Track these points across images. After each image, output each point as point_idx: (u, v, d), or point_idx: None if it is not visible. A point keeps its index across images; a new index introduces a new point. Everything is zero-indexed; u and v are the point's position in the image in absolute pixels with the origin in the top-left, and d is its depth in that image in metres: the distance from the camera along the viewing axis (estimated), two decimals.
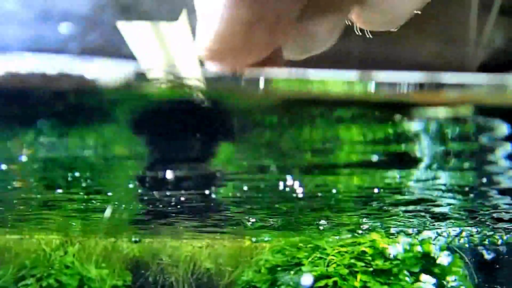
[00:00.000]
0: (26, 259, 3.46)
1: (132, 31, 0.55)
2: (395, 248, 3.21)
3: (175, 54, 0.55)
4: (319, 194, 2.42)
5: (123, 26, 0.53)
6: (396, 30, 0.51)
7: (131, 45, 0.54)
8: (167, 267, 3.88)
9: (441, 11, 0.65)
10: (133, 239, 3.79)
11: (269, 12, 0.42)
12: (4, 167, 2.13)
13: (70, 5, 0.64)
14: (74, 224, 3.46)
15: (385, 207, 2.79)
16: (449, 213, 2.82)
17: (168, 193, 2.71)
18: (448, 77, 0.65)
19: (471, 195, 2.25)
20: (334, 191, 2.22)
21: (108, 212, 2.89)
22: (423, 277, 3.11)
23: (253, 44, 0.43)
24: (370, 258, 3.14)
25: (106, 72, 0.57)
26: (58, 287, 3.23)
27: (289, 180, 2.07)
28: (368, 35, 0.53)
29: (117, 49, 0.63)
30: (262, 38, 0.43)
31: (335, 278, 3.02)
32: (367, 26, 0.51)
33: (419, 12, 0.50)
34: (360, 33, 0.52)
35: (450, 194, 2.18)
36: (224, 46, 0.43)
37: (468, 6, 0.67)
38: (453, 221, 3.00)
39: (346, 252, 3.16)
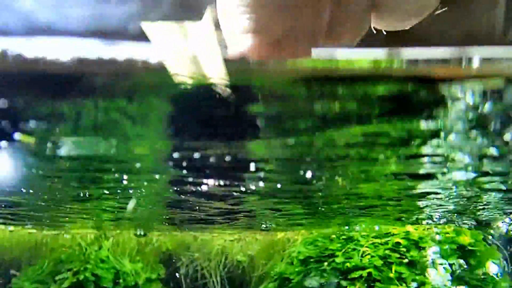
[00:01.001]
0: (62, 253, 3.53)
1: (157, 31, 0.55)
2: (430, 239, 3.17)
3: (199, 52, 0.55)
4: (350, 183, 2.40)
5: (147, 27, 0.54)
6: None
7: (156, 45, 0.55)
8: (199, 260, 3.91)
9: None
10: (138, 233, 3.80)
11: (299, 32, 0.46)
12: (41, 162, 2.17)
13: None
14: (108, 218, 3.51)
15: (418, 196, 2.76)
16: (487, 201, 2.76)
17: (198, 187, 2.72)
18: (478, 51, 0.63)
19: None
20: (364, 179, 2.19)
21: (131, 205, 2.92)
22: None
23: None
24: (404, 249, 3.11)
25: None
26: (94, 281, 3.28)
27: (318, 169, 2.06)
28: (384, 32, 0.56)
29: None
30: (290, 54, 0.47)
31: (369, 270, 2.99)
32: (383, 27, 0.55)
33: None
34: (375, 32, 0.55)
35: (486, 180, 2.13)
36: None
37: None
38: (490, 208, 2.95)
39: (380, 243, 3.13)
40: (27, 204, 3.18)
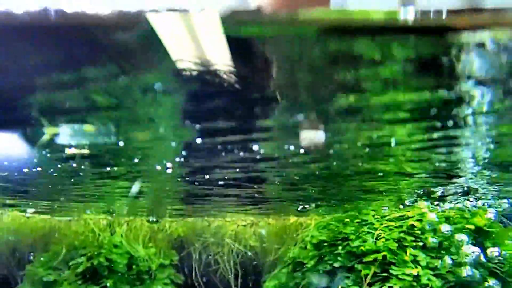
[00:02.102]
0: (76, 239, 3.54)
1: (163, 22, 0.54)
2: (445, 221, 3.13)
3: (204, 41, 0.55)
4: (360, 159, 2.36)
5: (153, 17, 0.54)
6: None
7: (162, 36, 0.55)
8: (211, 245, 3.91)
9: None
10: (151, 219, 3.80)
11: None
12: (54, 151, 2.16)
13: None
14: (120, 204, 3.52)
15: (430, 176, 2.72)
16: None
17: (211, 172, 2.71)
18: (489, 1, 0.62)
19: None
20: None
21: (135, 188, 2.91)
22: (472, 248, 3.02)
23: None
24: (419, 232, 3.08)
25: None
26: (108, 266, 3.28)
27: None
28: None
29: None
30: None
31: (384, 253, 2.97)
32: None
33: None
34: None
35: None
36: None
37: None
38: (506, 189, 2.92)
39: (394, 226, 3.10)
40: (40, 190, 3.19)
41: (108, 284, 3.23)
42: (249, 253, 3.83)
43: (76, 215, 3.72)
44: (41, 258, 3.47)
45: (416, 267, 2.94)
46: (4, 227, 3.82)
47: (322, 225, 3.32)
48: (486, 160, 2.22)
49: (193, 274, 3.88)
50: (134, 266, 3.46)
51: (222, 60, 0.80)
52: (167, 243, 3.87)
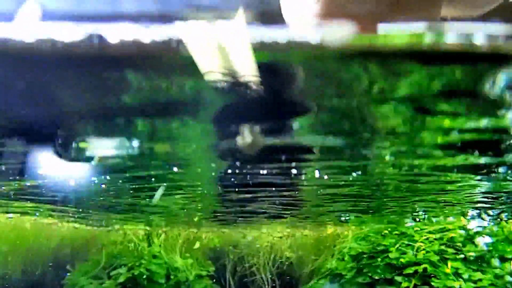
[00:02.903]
0: (115, 249, 3.60)
1: (190, 31, 0.55)
2: (486, 234, 3.10)
3: (231, 51, 0.55)
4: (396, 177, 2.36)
5: (180, 26, 0.54)
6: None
7: (188, 44, 0.55)
8: (247, 257, 3.92)
9: None
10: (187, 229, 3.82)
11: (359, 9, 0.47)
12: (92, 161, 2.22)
13: None
14: (158, 215, 3.57)
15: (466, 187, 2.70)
16: None
17: (246, 183, 2.73)
18: None
19: None
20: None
21: (158, 194, 2.94)
22: None
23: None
24: (460, 244, 3.05)
25: None
26: (148, 276, 3.33)
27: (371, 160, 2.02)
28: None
29: None
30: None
31: (425, 265, 2.95)
32: (452, 14, 0.55)
33: None
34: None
35: None
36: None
37: None
38: None
39: (435, 238, 3.08)
40: (80, 201, 3.26)
41: None
42: (285, 264, 3.84)
43: (114, 225, 3.78)
44: (82, 267, 3.54)
45: (458, 280, 2.91)
46: (43, 236, 3.91)
47: (361, 237, 3.32)
48: None
49: (229, 285, 3.90)
50: (172, 277, 3.50)
51: (255, 82, 0.82)
52: (203, 253, 3.90)
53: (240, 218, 3.79)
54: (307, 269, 3.66)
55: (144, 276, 3.31)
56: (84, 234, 3.91)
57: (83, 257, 3.72)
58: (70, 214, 3.56)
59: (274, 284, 3.84)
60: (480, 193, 2.72)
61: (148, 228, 3.71)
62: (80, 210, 3.50)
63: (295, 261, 3.82)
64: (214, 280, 3.87)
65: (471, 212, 3.19)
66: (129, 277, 3.28)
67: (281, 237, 3.85)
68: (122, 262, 3.40)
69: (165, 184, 2.91)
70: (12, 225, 3.62)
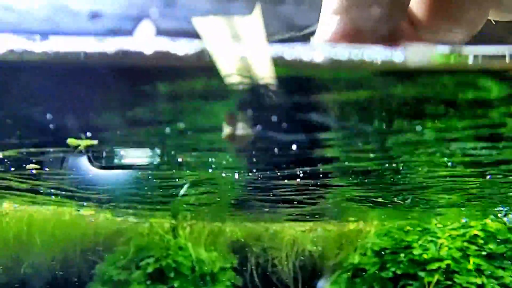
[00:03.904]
0: (142, 241, 3.69)
1: (207, 26, 0.58)
2: (508, 231, 3.14)
3: (247, 47, 0.56)
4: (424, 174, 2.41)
5: (198, 21, 0.57)
6: None
7: (205, 40, 0.56)
8: (270, 250, 4.00)
9: None
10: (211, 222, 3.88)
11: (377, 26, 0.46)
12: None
13: None
14: (185, 207, 3.65)
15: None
16: None
17: (269, 177, 2.80)
18: None
19: None
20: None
21: (184, 190, 3.02)
22: None
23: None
24: (482, 241, 3.10)
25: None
26: (174, 267, 3.42)
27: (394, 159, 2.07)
28: (492, 22, 0.55)
29: None
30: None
31: (447, 261, 3.00)
32: (497, 18, 0.53)
33: None
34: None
35: None
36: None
37: None
38: None
39: (457, 235, 3.13)
40: (111, 193, 3.35)
41: (175, 285, 3.37)
42: (308, 258, 3.91)
43: (142, 218, 3.87)
44: (110, 258, 3.64)
45: (480, 277, 2.97)
46: (71, 226, 4.02)
47: (383, 233, 3.38)
48: None
49: (252, 277, 3.98)
50: (197, 269, 3.59)
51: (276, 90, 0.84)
52: (226, 246, 3.98)
53: (263, 212, 3.87)
54: (330, 263, 3.73)
55: (171, 268, 3.41)
56: (112, 225, 4.01)
57: (110, 248, 3.83)
58: (103, 206, 3.65)
59: (296, 277, 3.91)
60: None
61: (173, 221, 3.80)
62: (111, 201, 3.60)
63: (317, 255, 3.89)
64: (237, 273, 3.95)
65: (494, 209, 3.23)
66: (156, 268, 3.37)
67: (303, 231, 3.92)
68: (149, 254, 3.50)
69: (189, 180, 2.99)
70: (50, 217, 3.74)
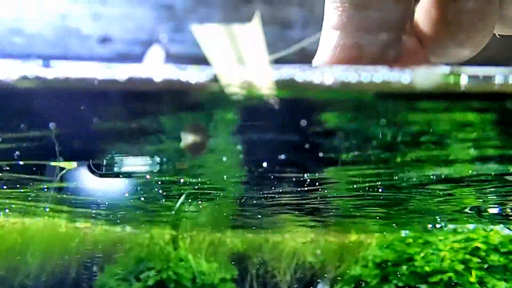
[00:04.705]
0: (141, 252, 3.67)
1: (206, 34, 0.57)
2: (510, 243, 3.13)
3: (247, 57, 0.56)
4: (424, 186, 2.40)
5: (197, 29, 0.56)
6: None
7: (204, 49, 0.56)
8: (270, 261, 3.98)
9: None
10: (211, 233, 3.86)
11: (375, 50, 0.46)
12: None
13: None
14: (185, 218, 3.64)
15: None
16: None
17: (270, 187, 2.79)
18: None
19: None
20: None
21: (180, 201, 3.01)
22: None
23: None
24: (484, 253, 3.08)
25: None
26: (175, 279, 3.40)
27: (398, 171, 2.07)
28: (497, 36, 0.55)
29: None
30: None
31: (449, 274, 2.99)
32: (502, 33, 0.53)
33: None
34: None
35: None
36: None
37: None
38: None
39: (459, 248, 3.12)
40: (112, 204, 3.34)
41: None
42: (308, 270, 3.89)
43: (141, 228, 3.86)
44: (110, 269, 3.62)
45: None
46: (70, 237, 4.00)
47: (385, 245, 3.36)
48: None
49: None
50: (197, 280, 3.57)
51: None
52: (226, 258, 3.97)
53: (263, 223, 3.86)
54: (330, 275, 3.71)
55: (172, 279, 3.39)
56: (112, 236, 3.98)
57: (111, 259, 3.80)
58: (102, 217, 3.64)
59: None
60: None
61: (174, 232, 3.78)
62: (110, 212, 3.59)
63: (318, 266, 3.88)
64: (237, 284, 3.93)
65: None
66: (157, 280, 3.35)
67: (304, 243, 3.91)
68: (150, 265, 3.48)
69: (186, 191, 2.98)
70: (46, 228, 3.71)
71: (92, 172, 2.04)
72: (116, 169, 2.01)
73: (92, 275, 3.76)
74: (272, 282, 3.98)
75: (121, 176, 2.18)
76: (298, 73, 0.55)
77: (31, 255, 3.73)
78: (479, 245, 3.11)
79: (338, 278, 3.61)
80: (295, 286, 3.91)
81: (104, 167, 2.02)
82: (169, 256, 3.52)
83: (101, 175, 2.12)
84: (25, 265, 3.75)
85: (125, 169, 2.00)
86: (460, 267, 3.00)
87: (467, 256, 3.06)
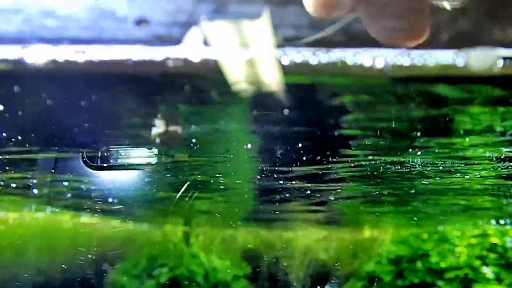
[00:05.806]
0: (154, 249, 3.66)
1: (216, 30, 0.57)
2: None
3: (256, 52, 0.55)
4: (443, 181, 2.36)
5: (206, 25, 0.55)
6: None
7: (213, 44, 0.55)
8: (283, 258, 3.96)
9: None
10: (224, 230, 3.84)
11: None
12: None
13: None
14: (199, 215, 3.62)
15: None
16: None
17: (284, 186, 2.77)
18: None
19: None
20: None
21: (182, 191, 2.98)
22: None
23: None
24: (501, 249, 3.04)
25: None
26: (188, 276, 3.39)
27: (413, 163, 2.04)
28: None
29: None
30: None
31: (465, 270, 2.95)
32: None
33: None
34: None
35: None
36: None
37: None
38: None
39: (476, 243, 3.08)
40: (126, 200, 3.33)
41: None
42: (321, 266, 3.86)
43: (154, 225, 3.85)
44: (123, 267, 3.61)
45: (499, 285, 2.91)
46: (82, 234, 3.99)
47: (399, 241, 3.33)
48: None
49: (265, 285, 3.94)
50: (210, 277, 3.56)
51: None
52: (239, 254, 3.95)
53: (276, 220, 3.83)
54: (344, 271, 3.68)
55: (185, 276, 3.37)
56: (124, 233, 3.97)
57: (122, 256, 3.79)
58: (112, 212, 3.63)
59: (310, 286, 3.87)
60: None
61: (186, 229, 3.76)
62: (122, 207, 3.58)
63: (331, 263, 3.85)
64: (250, 281, 3.91)
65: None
66: (170, 277, 3.34)
67: (317, 240, 3.88)
68: (162, 262, 3.47)
69: (188, 182, 2.96)
70: (55, 224, 3.71)
71: (87, 164, 2.00)
72: (111, 161, 1.98)
73: (105, 272, 3.74)
74: (285, 279, 3.96)
75: (116, 168, 2.14)
76: (349, 56, 0.54)
77: (38, 251, 3.73)
78: (496, 241, 3.07)
79: (350, 275, 3.58)
80: (308, 283, 3.89)
81: (98, 160, 1.98)
82: (181, 253, 3.50)
83: (96, 168, 2.09)
84: (34, 261, 3.75)
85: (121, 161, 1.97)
86: (476, 263, 2.96)
87: (484, 252, 3.02)
